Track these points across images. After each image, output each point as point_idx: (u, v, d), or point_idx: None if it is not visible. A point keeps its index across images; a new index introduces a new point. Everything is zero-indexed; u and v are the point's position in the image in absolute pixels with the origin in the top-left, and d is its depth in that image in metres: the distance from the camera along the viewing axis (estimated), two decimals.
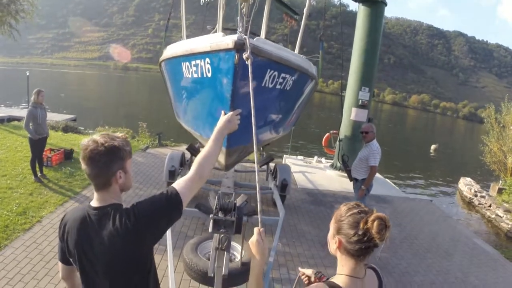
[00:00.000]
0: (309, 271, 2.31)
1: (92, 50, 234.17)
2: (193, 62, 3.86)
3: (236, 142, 3.93)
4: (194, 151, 8.23)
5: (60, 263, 2.24)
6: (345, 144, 11.27)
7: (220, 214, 3.22)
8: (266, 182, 8.51)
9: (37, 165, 8.52)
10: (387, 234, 1.69)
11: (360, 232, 1.72)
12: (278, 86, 4.15)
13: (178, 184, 2.07)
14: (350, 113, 11.84)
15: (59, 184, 8.43)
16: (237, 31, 3.30)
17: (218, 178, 8.13)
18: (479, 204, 14.05)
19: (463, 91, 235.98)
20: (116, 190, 2.01)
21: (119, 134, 2.05)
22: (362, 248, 1.73)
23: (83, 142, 1.93)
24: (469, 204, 14.85)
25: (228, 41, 3.10)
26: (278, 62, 3.85)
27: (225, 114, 2.51)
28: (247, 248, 1.98)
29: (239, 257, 4.18)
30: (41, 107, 8.34)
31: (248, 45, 2.71)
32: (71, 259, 2.07)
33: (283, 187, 8.05)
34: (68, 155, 10.31)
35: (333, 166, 12.76)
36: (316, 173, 12.19)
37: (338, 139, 11.87)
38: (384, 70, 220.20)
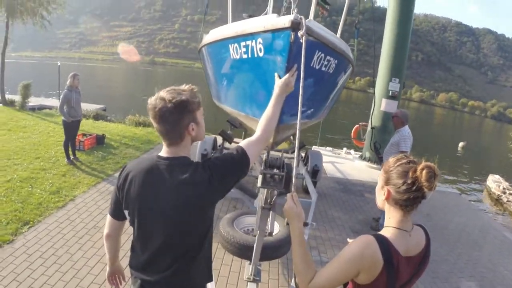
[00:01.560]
0: None
1: (120, 44, 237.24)
2: (242, 44, 3.90)
3: (285, 120, 3.98)
4: (227, 136, 8.31)
5: (109, 218, 2.23)
6: (375, 135, 11.23)
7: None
8: (297, 169, 8.43)
9: (69, 149, 8.69)
10: (436, 182, 1.70)
11: (409, 181, 1.74)
12: (323, 68, 4.20)
13: (246, 145, 2.10)
14: (381, 105, 11.77)
15: (91, 166, 8.60)
16: (292, 12, 3.36)
17: None
18: (508, 201, 13.77)
19: (491, 90, 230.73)
20: (188, 143, 2.04)
21: (185, 87, 2.02)
22: (410, 198, 1.75)
23: (150, 101, 1.94)
24: (497, 201, 14.56)
25: (285, 20, 3.19)
26: (326, 44, 3.89)
27: (279, 77, 2.60)
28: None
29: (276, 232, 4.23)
30: (76, 90, 8.48)
31: (304, 24, 2.87)
32: (126, 212, 2.08)
33: (315, 172, 8.10)
34: (100, 140, 10.51)
35: (362, 157, 12.72)
36: (345, 163, 12.18)
37: (370, 127, 11.86)
38: (411, 67, 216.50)
